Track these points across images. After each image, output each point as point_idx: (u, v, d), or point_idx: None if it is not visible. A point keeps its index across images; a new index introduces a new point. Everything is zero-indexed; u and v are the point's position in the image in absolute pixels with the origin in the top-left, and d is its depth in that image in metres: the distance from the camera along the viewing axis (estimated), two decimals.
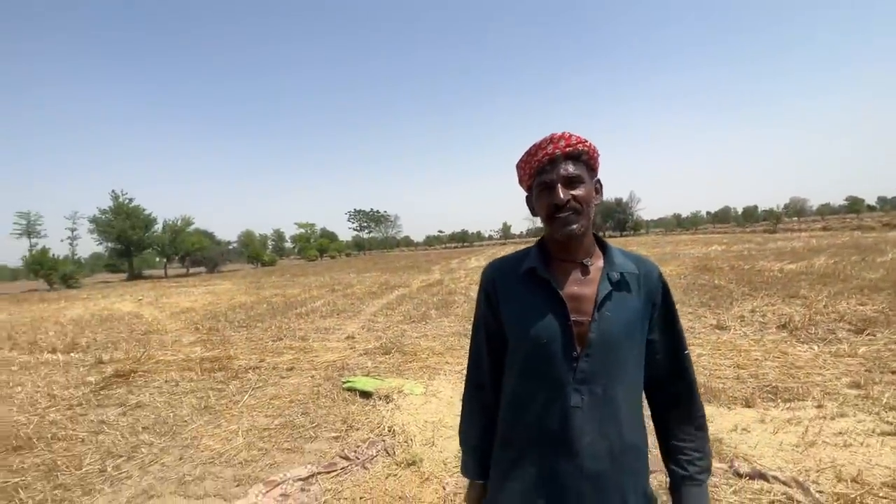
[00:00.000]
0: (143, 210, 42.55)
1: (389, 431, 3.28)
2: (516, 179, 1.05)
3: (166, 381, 4.94)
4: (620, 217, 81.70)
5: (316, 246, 71.12)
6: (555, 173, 0.93)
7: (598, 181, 1.01)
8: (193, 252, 44.85)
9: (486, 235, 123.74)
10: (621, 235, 79.41)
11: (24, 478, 2.93)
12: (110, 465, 3.04)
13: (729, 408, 3.34)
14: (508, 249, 40.98)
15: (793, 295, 7.46)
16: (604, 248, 1.02)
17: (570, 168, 0.93)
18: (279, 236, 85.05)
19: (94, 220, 40.54)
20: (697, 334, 5.50)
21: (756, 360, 4.43)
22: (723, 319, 6.10)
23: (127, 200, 41.79)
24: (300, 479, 2.71)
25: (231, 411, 3.94)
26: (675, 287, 9.22)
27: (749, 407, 3.34)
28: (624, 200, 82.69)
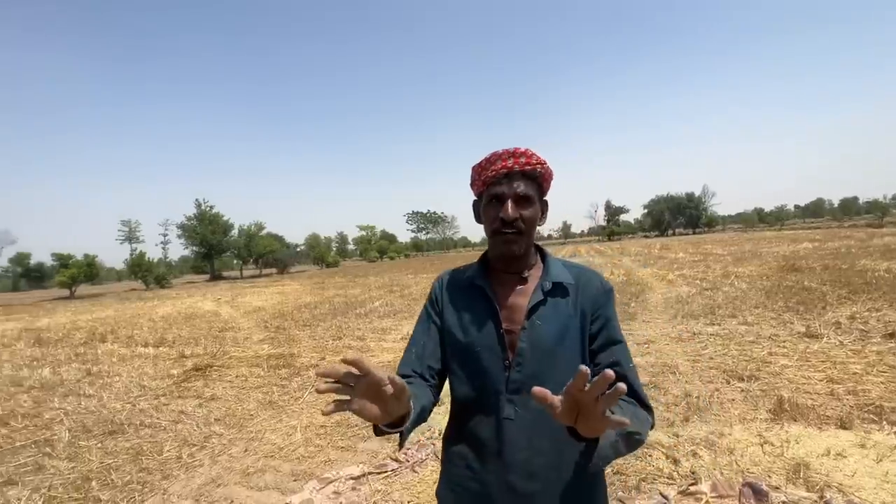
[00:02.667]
0: (222, 216, 46.51)
1: (440, 435, 3.27)
2: (469, 181, 1.04)
3: (237, 376, 5.32)
4: (693, 213, 76.12)
5: (376, 247, 73.63)
6: (508, 188, 0.92)
7: (546, 202, 1.01)
8: (265, 254, 48.26)
9: (546, 235, 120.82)
10: (693, 233, 73.91)
11: (116, 460, 3.27)
12: (185, 454, 3.31)
13: (820, 428, 2.95)
14: (569, 249, 39.70)
15: None
16: (544, 259, 1.03)
17: (523, 187, 0.93)
18: (342, 239, 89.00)
19: (181, 227, 44.98)
20: (782, 342, 4.93)
21: (855, 373, 3.88)
22: (813, 326, 5.42)
23: (208, 208, 45.92)
24: (352, 478, 2.78)
25: (292, 407, 4.14)
26: (755, 289, 8.39)
27: (846, 428, 2.92)
28: (696, 195, 76.93)
